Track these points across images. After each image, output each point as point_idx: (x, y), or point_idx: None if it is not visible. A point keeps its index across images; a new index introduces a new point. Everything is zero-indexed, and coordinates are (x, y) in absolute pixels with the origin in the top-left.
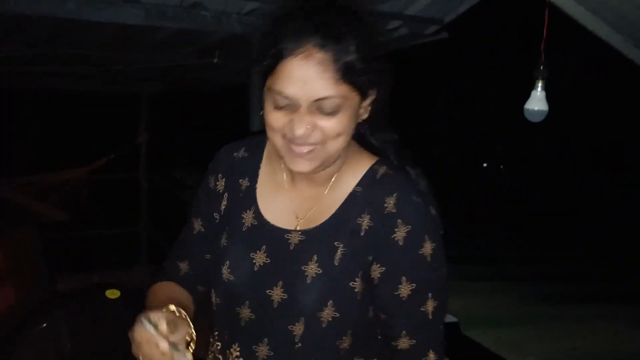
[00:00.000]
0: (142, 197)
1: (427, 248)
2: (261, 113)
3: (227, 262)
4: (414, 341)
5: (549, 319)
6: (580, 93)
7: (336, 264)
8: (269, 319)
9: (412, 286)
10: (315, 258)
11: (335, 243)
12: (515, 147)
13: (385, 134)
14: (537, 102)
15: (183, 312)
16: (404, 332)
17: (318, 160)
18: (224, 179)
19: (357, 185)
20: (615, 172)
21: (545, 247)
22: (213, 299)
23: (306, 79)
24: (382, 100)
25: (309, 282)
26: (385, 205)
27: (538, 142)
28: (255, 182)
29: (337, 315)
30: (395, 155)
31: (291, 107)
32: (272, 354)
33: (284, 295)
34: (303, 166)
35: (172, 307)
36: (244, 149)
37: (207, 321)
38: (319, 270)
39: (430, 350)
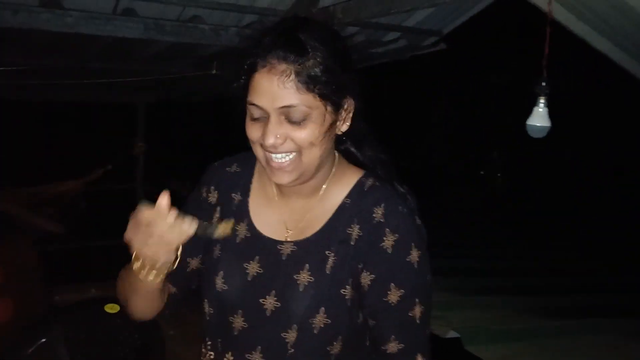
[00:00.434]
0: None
1: (414, 255)
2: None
3: (221, 272)
4: (403, 345)
5: (549, 333)
6: (579, 104)
7: (327, 272)
8: (262, 327)
9: (401, 292)
10: (307, 267)
11: (327, 252)
12: (513, 155)
13: (375, 153)
14: (539, 118)
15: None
16: (392, 336)
17: (296, 172)
18: (216, 192)
19: (346, 197)
20: (616, 181)
21: (545, 258)
22: (206, 308)
23: (272, 89)
24: (362, 113)
25: (301, 290)
26: (374, 215)
27: (535, 150)
28: (248, 195)
29: (329, 321)
30: (384, 172)
31: (264, 118)
32: None
33: (277, 304)
34: (282, 178)
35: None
36: (235, 164)
37: (198, 331)
38: (311, 279)
39: (418, 354)
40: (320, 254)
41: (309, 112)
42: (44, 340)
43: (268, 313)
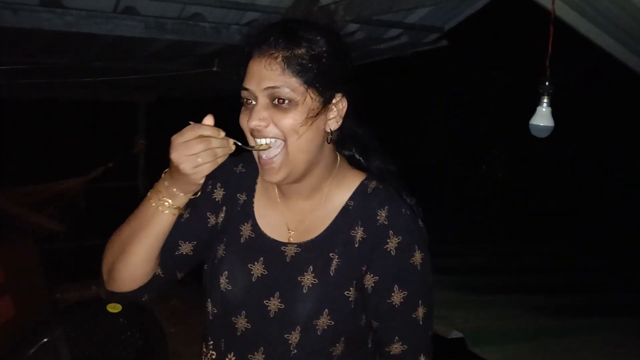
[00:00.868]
0: None
1: (418, 257)
2: None
3: (225, 272)
4: (406, 346)
5: (553, 332)
6: (581, 102)
7: (331, 274)
8: (266, 328)
9: (404, 293)
10: (311, 269)
11: (331, 254)
12: (514, 154)
13: (383, 164)
14: (542, 118)
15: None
16: (396, 337)
17: (284, 169)
18: (222, 189)
19: (349, 199)
20: (619, 180)
21: (547, 256)
22: (209, 308)
23: (260, 71)
24: (360, 117)
25: (305, 291)
26: (377, 217)
27: (537, 149)
28: (253, 196)
29: (332, 323)
30: (392, 184)
31: (254, 105)
32: None
33: (281, 305)
34: (272, 176)
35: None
36: (241, 164)
37: (200, 331)
38: (315, 281)
39: (422, 354)
40: (324, 256)
41: (293, 97)
42: (45, 340)
43: (272, 314)
